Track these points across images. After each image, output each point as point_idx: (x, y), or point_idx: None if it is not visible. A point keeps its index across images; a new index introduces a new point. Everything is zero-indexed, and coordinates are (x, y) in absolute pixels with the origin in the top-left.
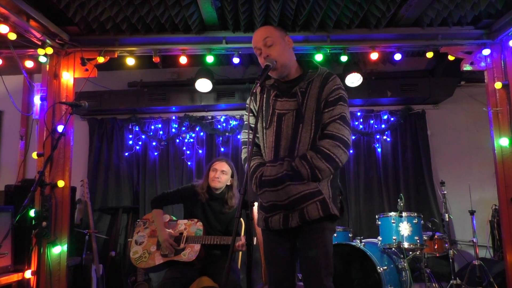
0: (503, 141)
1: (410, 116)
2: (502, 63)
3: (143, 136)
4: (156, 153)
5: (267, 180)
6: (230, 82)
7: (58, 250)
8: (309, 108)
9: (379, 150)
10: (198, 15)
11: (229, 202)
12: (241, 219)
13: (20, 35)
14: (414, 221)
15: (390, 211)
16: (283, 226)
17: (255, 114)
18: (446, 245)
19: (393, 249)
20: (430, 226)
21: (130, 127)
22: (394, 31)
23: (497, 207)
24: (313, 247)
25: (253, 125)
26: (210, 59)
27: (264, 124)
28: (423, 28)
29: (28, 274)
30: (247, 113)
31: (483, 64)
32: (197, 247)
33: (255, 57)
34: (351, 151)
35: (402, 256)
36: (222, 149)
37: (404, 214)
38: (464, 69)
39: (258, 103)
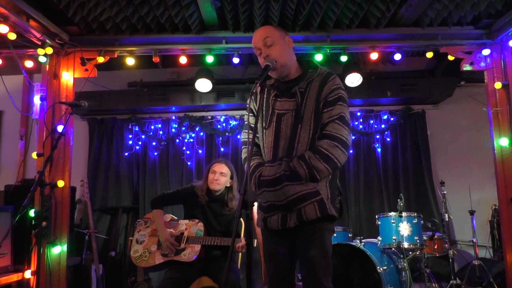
0: (503, 141)
1: (410, 116)
2: (502, 63)
3: (143, 136)
4: (156, 153)
5: (265, 180)
6: (230, 82)
7: (58, 250)
8: (308, 108)
9: (379, 150)
10: (198, 15)
11: (229, 204)
12: (241, 219)
13: (20, 35)
14: (414, 221)
15: (390, 211)
16: (281, 227)
17: (255, 114)
18: (446, 245)
19: (393, 249)
20: (430, 226)
21: (130, 127)
22: (394, 31)
23: (497, 207)
24: (312, 248)
25: (253, 125)
26: (210, 59)
27: (263, 124)
28: (423, 28)
29: (28, 274)
30: (247, 113)
31: (483, 64)
32: (197, 247)
33: (255, 57)
34: (351, 151)
35: (402, 256)
36: (222, 149)
37: (404, 214)
38: (464, 69)
39: (258, 103)
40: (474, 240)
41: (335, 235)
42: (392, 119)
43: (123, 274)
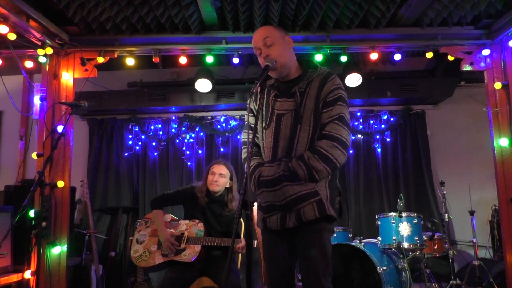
0: (503, 141)
1: (410, 116)
2: (502, 63)
3: (143, 136)
4: (156, 153)
5: (264, 181)
6: (230, 82)
7: (58, 250)
8: (307, 108)
9: (379, 150)
10: (198, 15)
11: (229, 205)
12: (241, 219)
13: (20, 35)
14: (414, 221)
15: (390, 211)
16: (280, 227)
17: (256, 114)
18: (446, 245)
19: (393, 249)
20: (430, 226)
21: (130, 127)
22: (394, 31)
23: (496, 207)
24: (312, 248)
25: (253, 125)
26: (210, 59)
27: (263, 124)
28: (423, 28)
29: (27, 274)
30: (247, 113)
31: (482, 64)
32: (197, 248)
33: (255, 57)
34: (351, 151)
35: (402, 256)
36: (222, 149)
37: (404, 214)
38: (464, 69)
39: (258, 103)
40: (474, 240)
41: (335, 235)
42: (392, 119)
43: (123, 274)
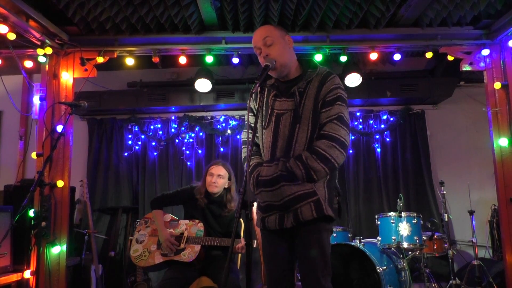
0: (503, 141)
1: (410, 116)
2: (502, 63)
3: (143, 136)
4: (155, 153)
5: (263, 180)
6: (229, 82)
7: (58, 250)
8: (306, 108)
9: (378, 150)
10: (197, 15)
11: (228, 205)
12: (241, 219)
13: (20, 35)
14: (414, 221)
15: (390, 211)
16: (278, 227)
17: (255, 113)
18: (446, 245)
19: (393, 249)
20: (429, 226)
21: (129, 127)
22: (393, 31)
23: (496, 207)
24: (311, 248)
25: (253, 125)
26: (209, 59)
27: (263, 123)
28: (422, 28)
29: (27, 274)
30: (247, 113)
31: (482, 64)
32: (197, 247)
33: (254, 57)
34: (350, 151)
35: (401, 256)
36: (221, 149)
37: (403, 214)
38: (464, 69)
39: (258, 102)
40: (473, 240)
41: (334, 235)
42: (391, 119)
43: (122, 274)
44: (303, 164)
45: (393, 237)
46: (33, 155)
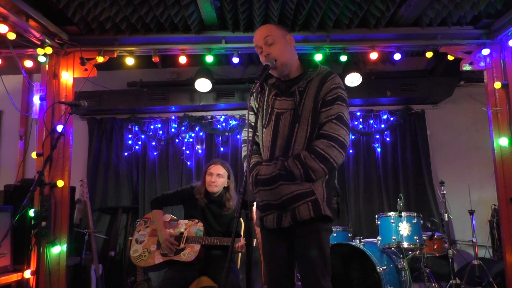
0: (503, 141)
1: (410, 116)
2: (502, 63)
3: (143, 136)
4: (155, 153)
5: (261, 179)
6: (229, 82)
7: (58, 250)
8: (306, 108)
9: (378, 150)
10: (197, 15)
11: (227, 204)
12: (241, 219)
13: (20, 35)
14: (414, 221)
15: (390, 211)
16: (276, 226)
17: (256, 112)
18: (446, 245)
19: (393, 249)
20: (429, 226)
21: (129, 127)
22: (393, 31)
23: (496, 207)
24: (310, 248)
25: (253, 124)
26: (209, 59)
27: (263, 122)
28: (422, 28)
29: (27, 274)
30: (248, 112)
31: (482, 64)
32: (197, 247)
33: (254, 57)
34: (350, 151)
35: (401, 256)
36: (221, 149)
37: (403, 214)
38: (464, 69)
39: (258, 101)
40: (473, 240)
41: (334, 235)
42: (391, 119)
43: (122, 274)
44: (301, 164)
45: (393, 237)
46: (33, 155)
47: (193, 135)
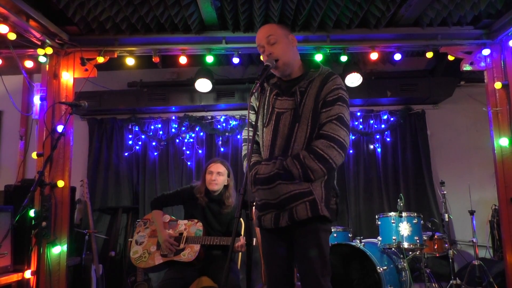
0: (503, 141)
1: (410, 116)
2: (502, 63)
3: (143, 136)
4: (155, 153)
5: (260, 178)
6: (230, 82)
7: (58, 250)
8: (306, 108)
9: (379, 150)
10: (197, 15)
11: (226, 201)
12: (241, 219)
13: (20, 35)
14: (414, 221)
15: (390, 211)
16: (274, 225)
17: (256, 111)
18: (446, 245)
19: (393, 249)
20: (430, 226)
21: (129, 127)
22: (394, 31)
23: (497, 207)
24: (309, 248)
25: (254, 123)
26: (209, 59)
27: (263, 122)
28: (422, 28)
29: (27, 274)
30: (248, 111)
31: (482, 64)
32: (196, 247)
33: (255, 57)
34: (351, 151)
35: (402, 256)
36: (222, 149)
37: (404, 214)
38: (464, 69)
39: (259, 101)
40: (474, 240)
41: (334, 235)
42: (392, 119)
43: (123, 274)
44: (300, 163)
45: (393, 237)
46: (34, 155)
47: (193, 135)
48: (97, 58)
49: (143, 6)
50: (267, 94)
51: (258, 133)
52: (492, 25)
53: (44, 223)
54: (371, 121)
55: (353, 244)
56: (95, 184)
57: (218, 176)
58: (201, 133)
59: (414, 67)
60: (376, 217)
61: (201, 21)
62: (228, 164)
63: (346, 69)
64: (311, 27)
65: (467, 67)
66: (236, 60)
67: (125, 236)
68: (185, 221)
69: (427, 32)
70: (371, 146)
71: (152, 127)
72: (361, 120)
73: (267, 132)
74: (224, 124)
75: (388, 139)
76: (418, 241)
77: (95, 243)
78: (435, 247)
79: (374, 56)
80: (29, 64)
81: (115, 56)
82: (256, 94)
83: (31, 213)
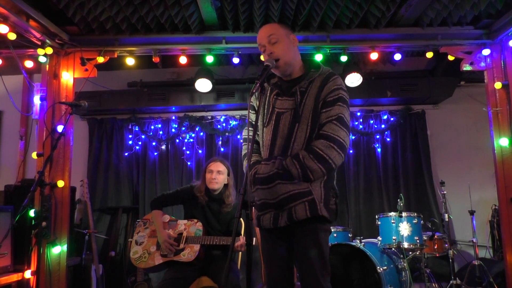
0: (503, 141)
1: (410, 116)
2: (502, 63)
3: (143, 136)
4: (155, 153)
5: (259, 178)
6: (230, 82)
7: (58, 250)
8: (307, 108)
9: (379, 150)
10: (197, 15)
11: (226, 200)
12: (241, 219)
13: (20, 35)
14: (414, 221)
15: (390, 211)
16: (273, 225)
17: (257, 111)
18: (446, 245)
19: (393, 249)
20: (430, 226)
21: (129, 127)
22: (394, 31)
23: (497, 207)
24: (309, 249)
25: (254, 122)
26: (210, 59)
27: (264, 122)
28: (423, 28)
29: (27, 274)
30: (250, 111)
31: (483, 64)
32: (196, 247)
33: (255, 57)
34: (351, 151)
35: (402, 256)
36: (222, 149)
37: (404, 214)
38: (464, 69)
39: (259, 100)
40: (474, 240)
41: (334, 235)
42: (392, 119)
43: (123, 274)
44: (299, 163)
45: (393, 237)
46: (34, 155)
47: (193, 135)
48: (97, 58)
49: (143, 6)
50: (268, 94)
51: (258, 132)
52: (492, 25)
53: (44, 223)
54: (371, 121)
55: (353, 244)
56: (95, 184)
57: (218, 174)
58: (201, 133)
59: (414, 67)
60: (376, 217)
61: (201, 21)
62: (227, 163)
63: (346, 69)
64: (311, 27)
65: (467, 67)
66: (236, 60)
67: (125, 236)
68: (185, 221)
69: (427, 32)
70: (371, 146)
71: (152, 127)
72: (361, 120)
73: (267, 132)
74: (224, 124)
75: (388, 139)
76: (418, 241)
77: (95, 243)
78: (435, 247)
79: (374, 56)
80: (29, 64)
81: (115, 56)
82: (256, 94)
83: (31, 213)
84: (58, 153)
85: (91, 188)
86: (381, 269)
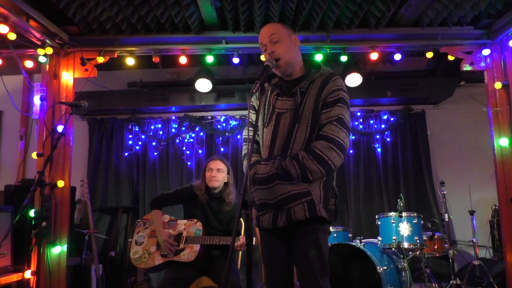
0: (503, 141)
1: (410, 116)
2: (502, 63)
3: (143, 136)
4: (156, 153)
5: (259, 178)
6: (230, 82)
7: (58, 250)
8: (307, 108)
9: (379, 150)
10: (198, 15)
11: (226, 199)
12: (241, 219)
13: (20, 35)
14: (414, 221)
15: (390, 211)
16: (272, 226)
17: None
18: (446, 245)
19: (393, 249)
20: (430, 226)
21: (130, 127)
22: (394, 31)
23: (497, 207)
24: (308, 249)
25: (254, 122)
26: (210, 59)
27: (264, 122)
28: (423, 28)
29: (27, 274)
30: (250, 111)
31: (483, 64)
32: (196, 247)
33: (255, 57)
34: (351, 151)
35: (402, 256)
36: (222, 149)
37: (404, 214)
38: (464, 69)
39: (259, 101)
40: (474, 240)
41: (334, 235)
42: (392, 119)
43: (123, 274)
44: (298, 164)
45: (393, 237)
46: (34, 155)
47: (193, 135)
48: (97, 58)
49: (143, 6)
50: (268, 94)
51: (258, 133)
52: (492, 25)
53: (44, 223)
54: (371, 121)
55: (353, 244)
56: (95, 184)
57: (218, 173)
58: (201, 133)
59: (414, 67)
60: (376, 217)
61: (201, 21)
62: (227, 162)
63: (346, 69)
64: (311, 27)
65: (467, 67)
66: (236, 60)
67: (125, 236)
68: (185, 221)
69: (427, 32)
70: (371, 146)
71: (152, 127)
72: (361, 120)
73: (267, 132)
74: (224, 124)
75: (388, 139)
76: (418, 241)
77: (95, 243)
78: (435, 247)
79: (374, 56)
80: (29, 64)
81: (115, 56)
82: (256, 94)
83: (31, 213)
84: (58, 153)
85: (91, 188)
86: (381, 269)
